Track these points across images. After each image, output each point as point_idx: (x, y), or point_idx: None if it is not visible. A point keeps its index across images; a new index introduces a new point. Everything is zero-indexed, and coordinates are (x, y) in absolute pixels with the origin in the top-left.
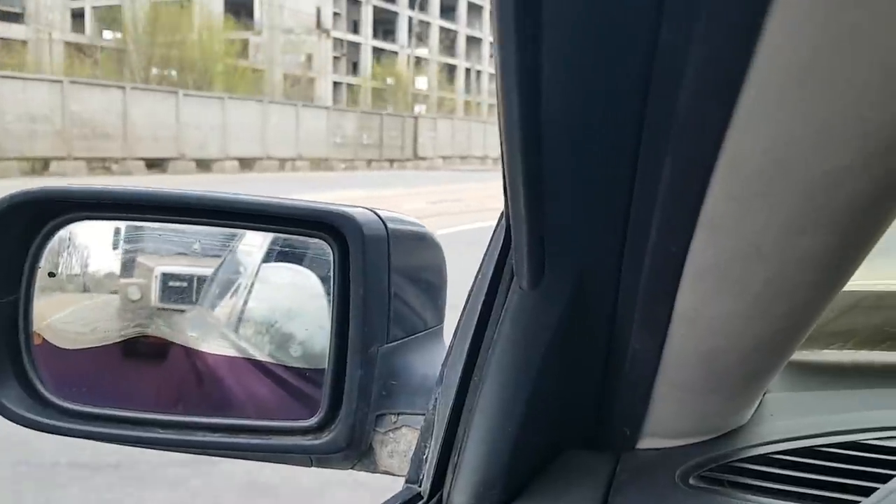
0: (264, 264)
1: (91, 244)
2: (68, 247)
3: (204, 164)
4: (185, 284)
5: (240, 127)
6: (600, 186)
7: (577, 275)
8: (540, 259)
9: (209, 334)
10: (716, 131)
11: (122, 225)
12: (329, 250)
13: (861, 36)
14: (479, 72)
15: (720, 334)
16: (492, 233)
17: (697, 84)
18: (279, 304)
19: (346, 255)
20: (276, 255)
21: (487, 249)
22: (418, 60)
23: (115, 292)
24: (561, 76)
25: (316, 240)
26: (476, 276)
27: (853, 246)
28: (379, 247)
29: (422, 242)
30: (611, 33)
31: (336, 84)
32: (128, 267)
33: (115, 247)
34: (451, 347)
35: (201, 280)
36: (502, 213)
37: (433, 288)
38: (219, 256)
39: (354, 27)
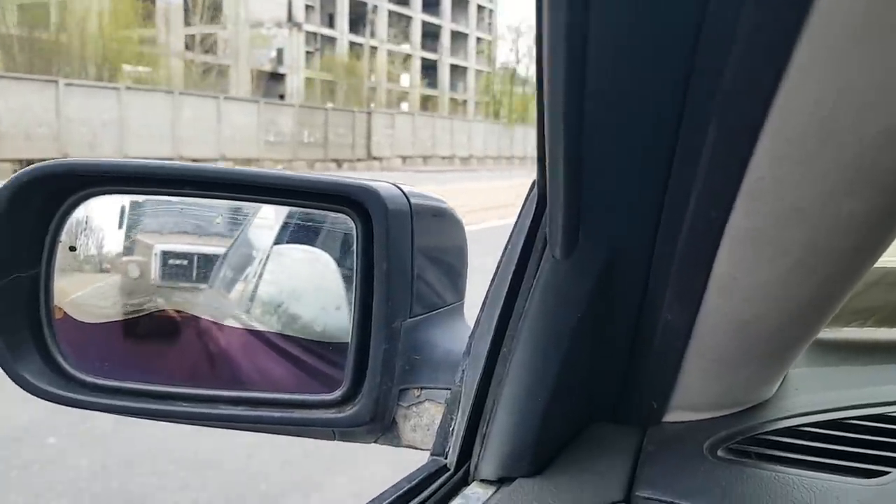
0: (276, 245)
1: (104, 223)
2: (86, 225)
3: None
4: (185, 262)
5: (143, 123)
6: (640, 155)
7: (612, 244)
8: (575, 228)
9: (229, 310)
10: (765, 92)
11: (141, 199)
12: (352, 225)
13: None
14: (460, 68)
15: (756, 302)
16: (521, 204)
17: (749, 44)
18: (296, 282)
19: (369, 229)
20: (289, 235)
21: (517, 220)
22: (406, 57)
23: (118, 270)
24: (607, 41)
25: (336, 215)
26: (505, 247)
27: (893, 212)
28: (402, 221)
29: (443, 218)
30: None
31: (309, 80)
32: (130, 245)
33: (120, 226)
34: (478, 319)
35: (202, 258)
36: (533, 183)
37: (454, 264)
38: (225, 235)
39: (330, 21)
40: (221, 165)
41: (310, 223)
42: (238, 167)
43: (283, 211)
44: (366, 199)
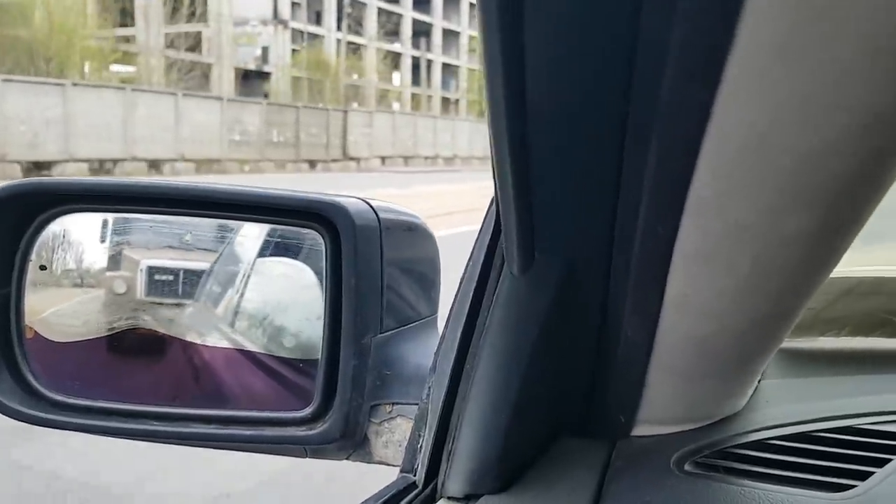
0: (259, 259)
1: (83, 238)
2: (61, 241)
3: (38, 167)
4: (171, 278)
5: (91, 121)
6: (587, 171)
7: (568, 260)
8: (529, 244)
9: (204, 327)
10: (701, 111)
11: (112, 217)
12: (321, 240)
13: (840, 11)
14: (456, 66)
15: (711, 317)
16: (482, 219)
17: (681, 64)
18: (273, 297)
19: (338, 244)
20: (273, 247)
21: (478, 236)
22: (397, 56)
23: (102, 286)
24: (544, 61)
25: (309, 230)
26: (467, 263)
27: (841, 226)
28: (371, 236)
29: (414, 232)
30: (593, 16)
31: (296, 79)
32: (115, 260)
33: (102, 240)
34: (443, 336)
35: (188, 273)
36: (492, 200)
37: (426, 278)
38: (209, 250)
39: (317, 18)
40: (183, 180)
41: (293, 236)
42: (208, 183)
43: (266, 227)
44: (334, 214)
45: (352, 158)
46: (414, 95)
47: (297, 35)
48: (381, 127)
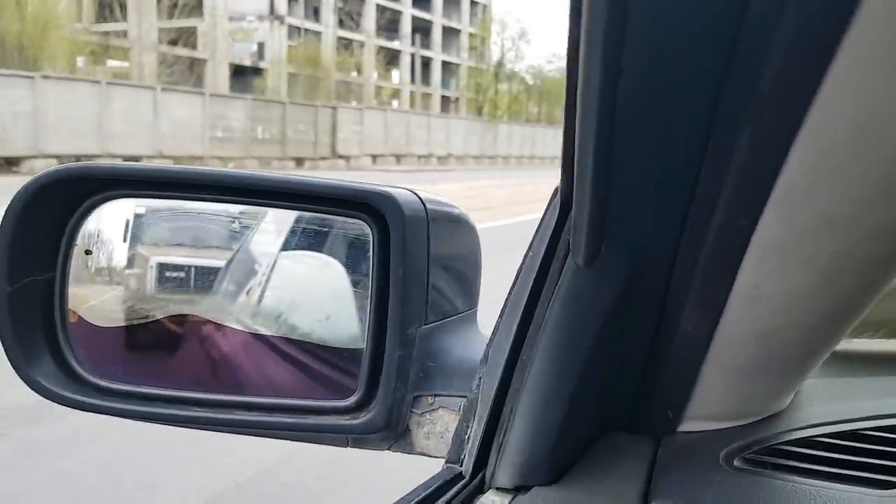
0: (283, 251)
1: (118, 233)
2: (98, 238)
3: (8, 164)
4: (182, 274)
5: (63, 116)
6: (668, 162)
7: (635, 254)
8: (598, 237)
9: (234, 317)
10: (802, 100)
11: (156, 203)
12: (366, 230)
13: None
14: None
15: (779, 312)
16: (543, 211)
17: (788, 51)
18: (305, 288)
19: (386, 235)
20: (297, 241)
21: (539, 228)
22: (397, 53)
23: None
24: (642, 47)
25: (345, 220)
26: (526, 254)
27: None
28: (419, 227)
29: (459, 225)
30: (698, 3)
31: (293, 76)
32: (138, 258)
33: (131, 238)
34: (496, 326)
35: (199, 269)
36: (555, 191)
37: (468, 271)
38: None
39: (315, 14)
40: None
41: (318, 228)
42: (257, 171)
43: (290, 218)
44: (383, 205)
45: (341, 156)
46: (413, 94)
47: (294, 31)
48: (373, 124)
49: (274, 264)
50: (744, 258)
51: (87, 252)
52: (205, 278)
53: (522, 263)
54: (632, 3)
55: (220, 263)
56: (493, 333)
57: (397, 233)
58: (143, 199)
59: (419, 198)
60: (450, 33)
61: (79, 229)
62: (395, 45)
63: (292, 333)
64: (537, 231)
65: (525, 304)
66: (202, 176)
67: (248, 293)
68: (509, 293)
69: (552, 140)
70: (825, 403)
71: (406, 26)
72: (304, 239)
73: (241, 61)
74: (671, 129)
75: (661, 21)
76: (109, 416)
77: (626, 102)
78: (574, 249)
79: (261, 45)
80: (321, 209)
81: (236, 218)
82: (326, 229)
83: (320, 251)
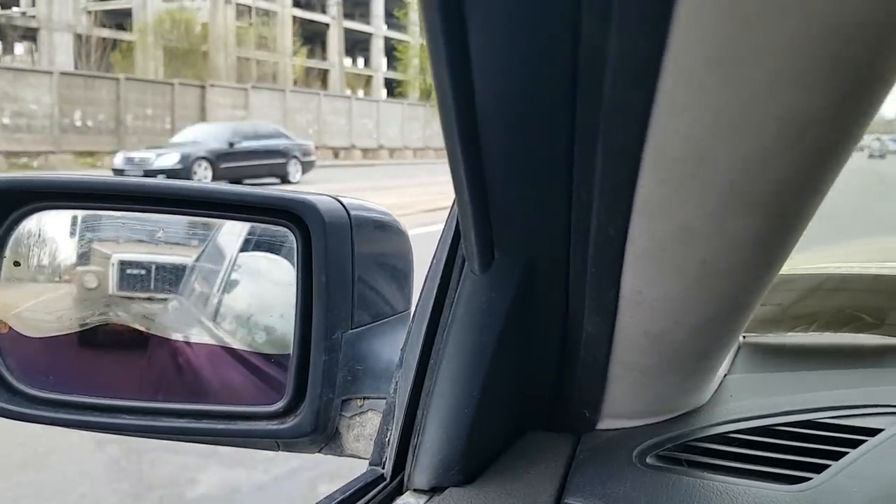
0: (242, 253)
1: (58, 234)
2: (36, 238)
3: None
4: (143, 272)
5: None
6: (541, 170)
7: (528, 258)
8: (488, 243)
9: (184, 323)
10: (640, 118)
11: (82, 214)
12: (292, 238)
13: (769, 21)
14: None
15: (665, 315)
16: (446, 218)
17: (618, 74)
18: (254, 292)
19: (308, 242)
20: (255, 243)
21: (442, 235)
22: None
23: (74, 281)
24: (490, 64)
25: (278, 227)
26: (431, 261)
27: (784, 228)
28: (341, 233)
29: (386, 229)
30: (536, 26)
31: (243, 60)
32: (86, 256)
33: (73, 235)
34: (409, 331)
35: (161, 268)
36: (454, 200)
37: (399, 274)
38: (181, 244)
39: None
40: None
41: (275, 231)
42: (180, 181)
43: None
44: (303, 212)
45: None
46: (353, 76)
47: (243, 11)
48: (263, 108)
49: (232, 266)
50: (623, 265)
51: (16, 263)
52: (168, 276)
53: (428, 270)
54: (470, 19)
55: (182, 261)
56: (407, 337)
57: (319, 240)
58: (69, 211)
59: (342, 204)
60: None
61: (7, 241)
62: (316, 16)
63: (237, 338)
64: (441, 237)
65: (431, 309)
66: (128, 187)
67: (205, 296)
68: (418, 299)
69: None
70: (746, 399)
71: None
72: (264, 239)
73: (179, 44)
74: (538, 140)
75: (504, 40)
76: (41, 425)
77: (486, 117)
78: (468, 257)
79: (204, 27)
80: (245, 217)
81: (161, 228)
82: (283, 234)
83: (279, 252)
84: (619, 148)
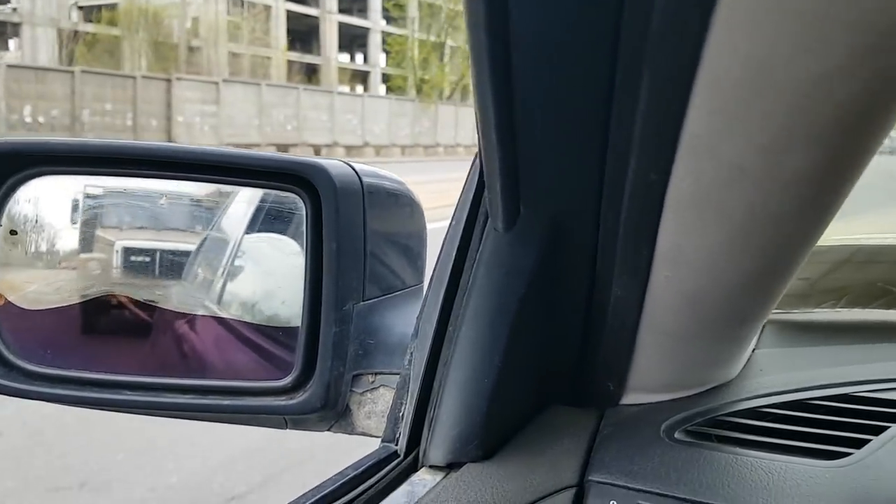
0: (247, 235)
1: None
2: (36, 222)
3: None
4: (147, 258)
5: None
6: (575, 115)
7: (555, 213)
8: (514, 198)
9: (189, 303)
10: (694, 39)
11: (85, 180)
12: (301, 204)
13: None
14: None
15: (704, 272)
16: (465, 177)
17: None
18: (259, 271)
19: (318, 207)
20: (260, 224)
21: (461, 194)
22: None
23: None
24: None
25: (287, 193)
26: (450, 224)
27: (843, 166)
28: (353, 200)
29: (399, 199)
30: None
31: (236, 55)
32: (88, 242)
33: (73, 222)
34: (425, 299)
35: (165, 253)
36: (476, 156)
37: (412, 246)
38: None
39: None
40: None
41: (282, 209)
42: (185, 144)
43: (256, 198)
44: (314, 176)
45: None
46: (308, 66)
47: (237, 4)
48: (238, 103)
49: (237, 247)
50: (661, 216)
51: (13, 232)
52: (173, 262)
53: (447, 232)
54: None
55: (157, 245)
56: (423, 305)
57: (329, 205)
58: (68, 176)
59: (353, 169)
60: None
61: (3, 208)
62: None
63: (243, 314)
64: (460, 197)
65: (450, 273)
66: (129, 150)
67: (211, 278)
68: (436, 263)
69: None
70: (776, 373)
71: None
72: (269, 219)
73: (167, 39)
74: (574, 80)
75: None
76: (39, 402)
77: (520, 55)
78: (492, 213)
79: (195, 21)
80: (252, 182)
81: (163, 196)
82: (291, 211)
83: (286, 231)
84: (668, 77)
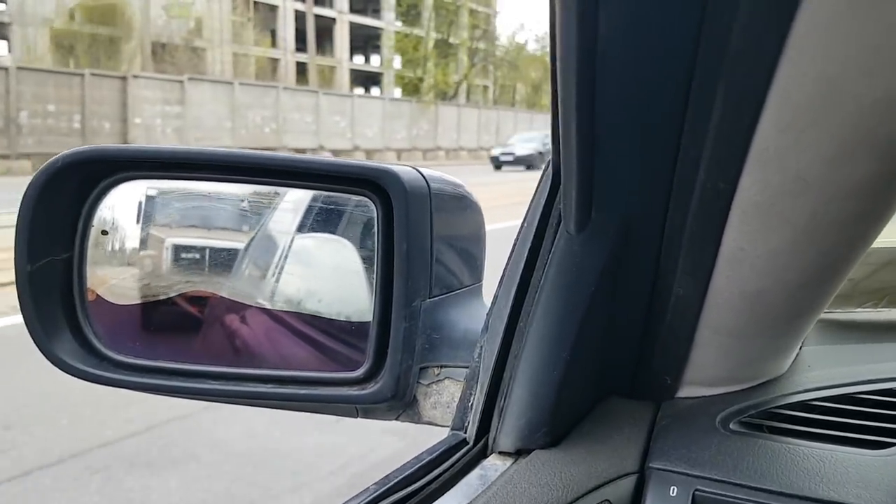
0: (298, 233)
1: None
2: (113, 223)
3: None
4: (197, 256)
5: None
6: (651, 126)
7: (624, 217)
8: (588, 202)
9: (254, 298)
10: (769, 59)
11: (168, 184)
12: (373, 207)
13: None
14: None
15: (764, 273)
16: (537, 183)
17: (751, 12)
18: (318, 267)
19: (389, 211)
20: (312, 222)
21: (533, 198)
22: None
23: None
24: (617, 11)
25: (358, 199)
26: (521, 225)
27: None
28: (422, 203)
29: (462, 202)
30: None
31: (240, 56)
32: (152, 239)
33: (143, 219)
34: (496, 296)
35: (214, 251)
36: (548, 162)
37: (472, 247)
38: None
39: None
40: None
41: (332, 208)
42: (261, 152)
43: (305, 201)
44: (386, 181)
45: None
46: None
47: (242, 5)
48: (206, 104)
49: (290, 246)
50: (727, 221)
51: (104, 232)
52: (220, 259)
53: (518, 234)
54: None
55: (233, 245)
56: (493, 303)
57: (401, 208)
58: (154, 181)
59: (421, 174)
60: None
61: (95, 210)
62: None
63: (306, 310)
64: (531, 202)
65: (521, 272)
66: (211, 157)
67: (264, 273)
68: (507, 263)
69: (527, 127)
70: (823, 369)
71: None
72: (320, 219)
73: (171, 40)
74: (649, 96)
75: None
76: (127, 390)
77: (604, 67)
78: (565, 217)
79: (198, 21)
80: (328, 187)
81: (245, 199)
82: (341, 209)
83: (335, 231)
84: (741, 94)
